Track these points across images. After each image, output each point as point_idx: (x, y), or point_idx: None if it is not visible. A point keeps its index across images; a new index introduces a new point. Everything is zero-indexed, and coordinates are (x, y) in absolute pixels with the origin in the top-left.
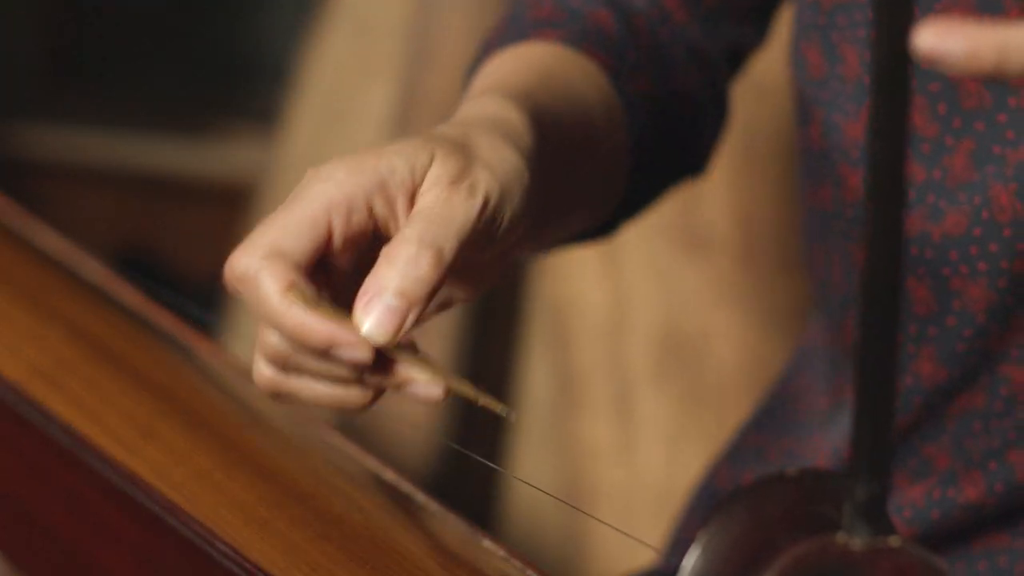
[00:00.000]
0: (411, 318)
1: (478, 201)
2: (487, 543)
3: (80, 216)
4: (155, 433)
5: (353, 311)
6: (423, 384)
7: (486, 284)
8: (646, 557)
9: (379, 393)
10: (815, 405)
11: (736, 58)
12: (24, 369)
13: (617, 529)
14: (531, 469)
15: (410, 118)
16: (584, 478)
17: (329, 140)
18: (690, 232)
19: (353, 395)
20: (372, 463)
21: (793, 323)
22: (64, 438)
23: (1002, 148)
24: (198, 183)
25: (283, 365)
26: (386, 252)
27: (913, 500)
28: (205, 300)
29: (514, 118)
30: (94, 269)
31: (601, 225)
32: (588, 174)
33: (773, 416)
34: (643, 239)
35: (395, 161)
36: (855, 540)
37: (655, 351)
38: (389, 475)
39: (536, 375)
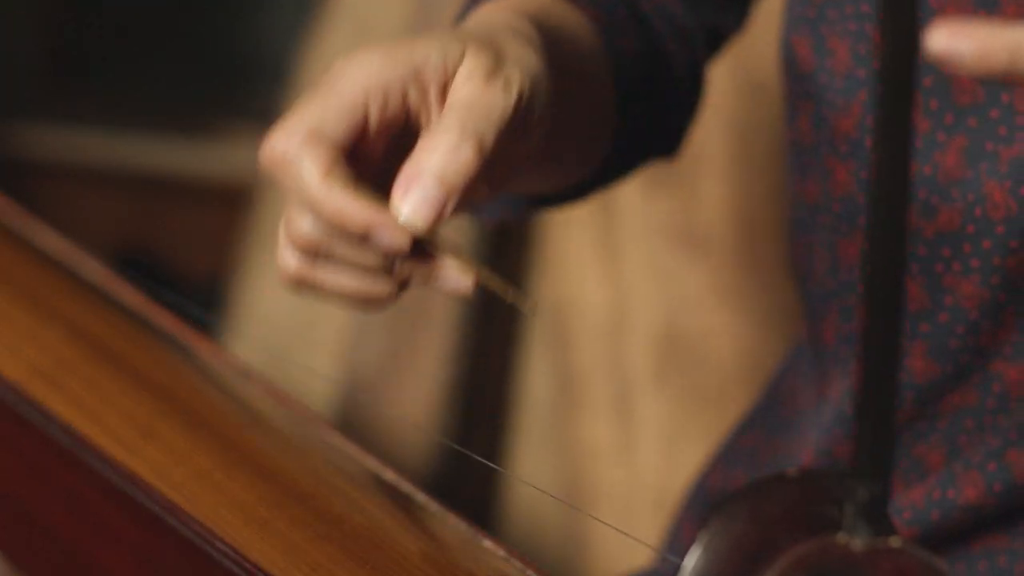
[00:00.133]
0: (450, 206)
1: (513, 94)
2: (487, 543)
3: (80, 216)
4: (155, 433)
5: (391, 197)
6: (454, 273)
7: (499, 186)
8: (646, 557)
9: (403, 287)
10: (803, 404)
11: (714, 40)
12: (24, 369)
13: (617, 529)
14: (531, 469)
15: None
16: (584, 478)
17: None
18: (690, 232)
19: (379, 287)
20: (372, 463)
21: (792, 323)
22: (64, 438)
23: (995, 144)
24: (198, 183)
25: (313, 253)
26: (425, 140)
27: (913, 501)
28: (205, 300)
29: (527, 29)
30: (94, 269)
31: (573, 187)
32: (585, 109)
33: (765, 416)
34: (643, 239)
35: (429, 51)
36: (856, 540)
37: (655, 351)
38: (389, 475)
39: (536, 375)
